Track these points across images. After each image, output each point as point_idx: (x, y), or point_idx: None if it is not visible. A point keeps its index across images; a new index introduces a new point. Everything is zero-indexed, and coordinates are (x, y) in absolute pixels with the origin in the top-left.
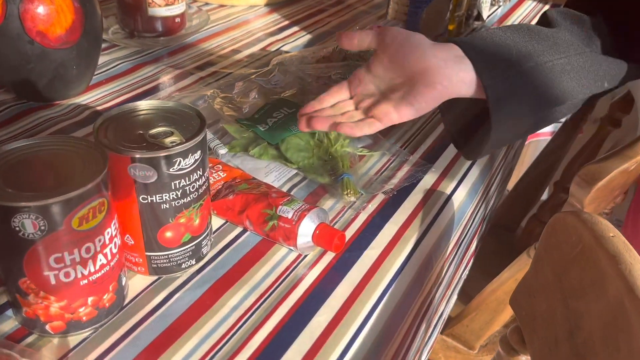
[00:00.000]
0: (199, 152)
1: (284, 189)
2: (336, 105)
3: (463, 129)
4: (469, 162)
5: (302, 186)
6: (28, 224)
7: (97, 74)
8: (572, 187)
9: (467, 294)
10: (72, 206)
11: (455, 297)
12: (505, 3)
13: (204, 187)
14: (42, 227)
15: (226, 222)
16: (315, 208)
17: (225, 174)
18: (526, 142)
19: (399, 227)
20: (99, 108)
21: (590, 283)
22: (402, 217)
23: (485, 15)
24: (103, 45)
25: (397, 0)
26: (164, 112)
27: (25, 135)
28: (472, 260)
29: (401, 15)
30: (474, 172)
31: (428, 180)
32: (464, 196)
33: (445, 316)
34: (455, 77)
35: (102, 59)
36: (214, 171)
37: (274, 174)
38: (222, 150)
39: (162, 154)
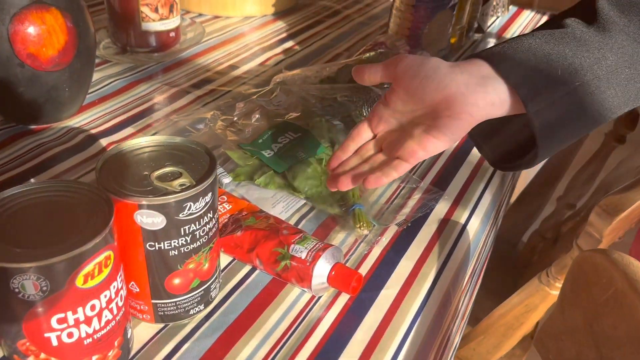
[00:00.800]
0: (209, 194)
1: (293, 221)
2: (360, 150)
3: (496, 145)
4: (481, 187)
5: (311, 217)
6: (28, 285)
7: (89, 94)
8: (592, 216)
9: (472, 313)
10: (76, 264)
11: (466, 324)
12: (504, 13)
13: (214, 230)
14: (44, 288)
15: (234, 259)
16: (330, 247)
17: (230, 206)
18: None
19: (414, 263)
20: (93, 131)
21: (626, 334)
22: (417, 251)
23: (485, 27)
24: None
25: (400, 15)
26: (170, 149)
27: (16, 163)
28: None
29: (404, 30)
30: (487, 197)
31: (441, 209)
32: (478, 224)
33: (456, 345)
34: (482, 101)
35: (94, 76)
36: (219, 203)
37: (281, 205)
38: (226, 180)
39: (172, 199)
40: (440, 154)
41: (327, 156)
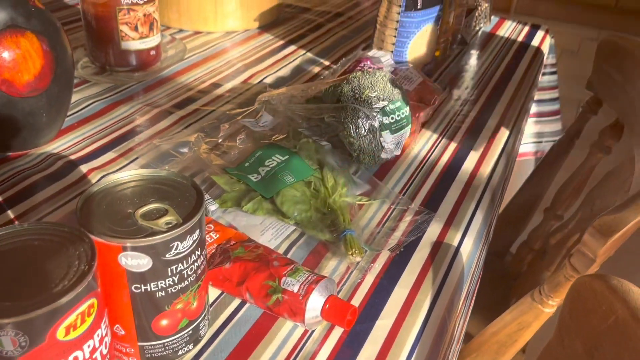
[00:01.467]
0: (197, 231)
1: (283, 248)
2: None
3: None
4: (472, 206)
5: (301, 244)
6: (6, 342)
7: (68, 117)
8: (586, 236)
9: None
10: (57, 316)
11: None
12: (487, 24)
13: (202, 267)
14: (23, 344)
15: (223, 292)
16: (323, 279)
17: (218, 235)
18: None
19: (409, 291)
20: (72, 157)
21: None
22: (411, 278)
23: (468, 39)
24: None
25: (383, 30)
26: (154, 183)
27: None
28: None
29: (388, 45)
30: (478, 217)
31: (433, 231)
32: (471, 245)
33: None
34: None
35: (73, 98)
36: (205, 232)
37: (270, 232)
38: (213, 207)
39: (158, 240)
40: (429, 173)
41: (316, 179)
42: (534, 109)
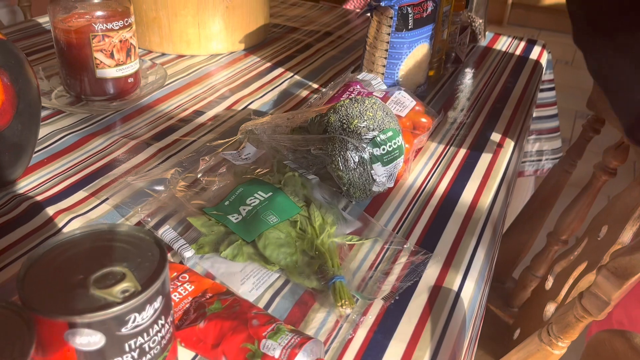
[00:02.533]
0: (159, 298)
1: (265, 299)
2: None
3: None
4: (472, 243)
5: (285, 293)
6: None
7: (37, 152)
8: (599, 278)
9: None
10: None
11: None
12: (481, 40)
13: (168, 335)
14: None
15: (197, 355)
16: (308, 342)
17: (193, 287)
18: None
19: (406, 345)
20: (39, 198)
21: None
22: (408, 330)
23: (463, 57)
24: (45, 113)
25: (373, 51)
26: (111, 241)
27: None
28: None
29: (378, 68)
30: (479, 255)
31: (430, 274)
32: (473, 288)
33: None
34: None
35: (44, 130)
36: (179, 283)
37: (251, 281)
38: (188, 253)
39: (109, 314)
40: (423, 208)
41: (303, 217)
42: (533, 126)
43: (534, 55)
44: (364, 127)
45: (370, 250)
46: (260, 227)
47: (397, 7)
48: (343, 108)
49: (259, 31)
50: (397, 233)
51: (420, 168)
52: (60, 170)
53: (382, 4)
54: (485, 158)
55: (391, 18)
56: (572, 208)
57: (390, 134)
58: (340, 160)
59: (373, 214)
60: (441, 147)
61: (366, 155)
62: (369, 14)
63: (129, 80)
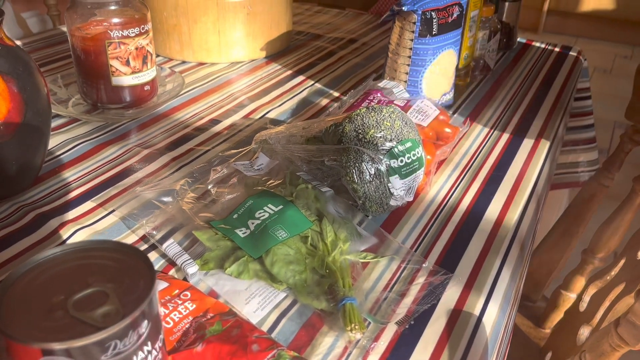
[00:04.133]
0: (144, 323)
1: (271, 320)
2: None
3: None
4: (497, 264)
5: (292, 315)
6: None
7: (50, 159)
8: (637, 305)
9: None
10: None
11: None
12: (512, 47)
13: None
14: None
15: None
16: None
17: (194, 306)
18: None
19: None
20: (46, 208)
21: None
22: (424, 358)
23: (492, 64)
24: (61, 121)
25: (396, 58)
26: (96, 259)
27: None
28: None
29: (401, 75)
30: (505, 275)
31: (450, 296)
32: (497, 312)
33: None
34: None
35: (59, 138)
36: (180, 302)
37: (256, 300)
38: (192, 269)
39: (87, 340)
40: (444, 224)
41: (314, 233)
42: (567, 136)
43: (568, 62)
44: (380, 137)
45: (385, 269)
46: (268, 243)
47: (420, 12)
48: (359, 117)
49: (281, 38)
50: (415, 251)
51: (443, 181)
52: (71, 179)
53: (405, 8)
54: (513, 170)
55: (414, 23)
56: (610, 224)
57: (409, 144)
58: (355, 172)
59: (390, 229)
60: (466, 158)
61: (383, 167)
62: (391, 20)
63: (145, 88)
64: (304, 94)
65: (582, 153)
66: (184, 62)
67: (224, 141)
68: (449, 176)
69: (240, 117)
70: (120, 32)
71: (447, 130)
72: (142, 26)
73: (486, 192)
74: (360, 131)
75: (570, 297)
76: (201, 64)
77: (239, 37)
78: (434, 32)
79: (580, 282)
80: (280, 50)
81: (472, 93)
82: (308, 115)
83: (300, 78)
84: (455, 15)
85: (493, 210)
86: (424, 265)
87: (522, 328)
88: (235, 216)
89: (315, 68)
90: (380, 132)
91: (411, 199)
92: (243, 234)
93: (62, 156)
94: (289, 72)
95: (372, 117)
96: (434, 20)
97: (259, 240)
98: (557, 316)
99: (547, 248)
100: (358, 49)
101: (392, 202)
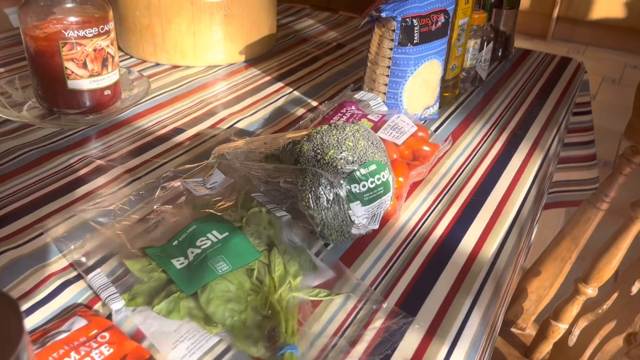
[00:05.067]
0: None
1: None
2: None
3: None
4: (467, 304)
5: None
6: None
7: None
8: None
9: None
10: None
11: None
12: (507, 57)
13: None
14: None
15: None
16: None
17: (111, 350)
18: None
19: None
20: None
21: None
22: None
23: (484, 75)
24: (13, 126)
25: (375, 68)
26: None
27: None
28: None
29: (380, 86)
30: (474, 319)
31: (409, 344)
32: None
33: None
34: None
35: (8, 144)
36: (95, 345)
37: (185, 344)
38: (116, 305)
39: None
40: (412, 256)
41: (262, 265)
42: (564, 153)
43: (567, 73)
44: (341, 158)
45: (339, 310)
46: (205, 277)
47: (400, 19)
48: (318, 135)
49: (261, 42)
50: (375, 289)
51: (416, 206)
52: (8, 192)
53: (383, 14)
54: (496, 194)
55: (393, 31)
56: (604, 253)
57: (373, 167)
58: (312, 197)
59: (352, 260)
60: (445, 180)
61: (342, 193)
62: (371, 26)
63: (106, 93)
64: (280, 102)
65: (581, 171)
66: (157, 65)
67: (184, 153)
68: (424, 200)
69: (207, 127)
70: (76, 31)
71: (425, 148)
72: (102, 26)
73: (463, 220)
74: (319, 151)
75: (560, 327)
76: (175, 67)
77: (216, 39)
78: (415, 41)
79: (570, 313)
80: (261, 55)
81: (460, 106)
82: (281, 126)
83: (279, 85)
84: (440, 23)
85: (468, 242)
86: (383, 305)
87: (508, 358)
88: (175, 243)
89: (297, 74)
90: (341, 152)
91: (376, 226)
92: (180, 264)
93: (4, 165)
94: (268, 77)
95: (333, 135)
96: (416, 28)
97: (195, 273)
98: (546, 347)
99: (537, 273)
100: (344, 55)
101: (354, 231)
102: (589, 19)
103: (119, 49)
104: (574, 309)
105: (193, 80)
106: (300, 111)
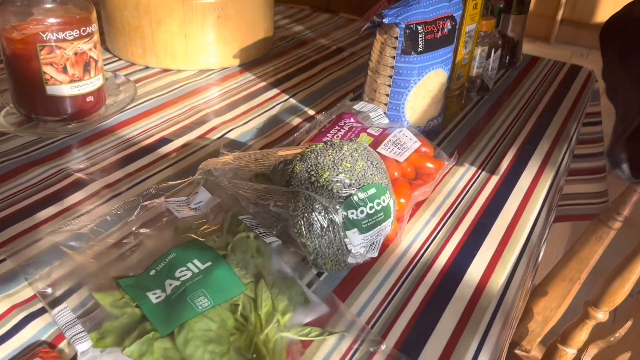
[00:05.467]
0: None
1: None
2: None
3: None
4: (474, 345)
5: None
6: None
7: None
8: None
9: None
10: None
11: None
12: (515, 65)
13: None
14: None
15: None
16: None
17: None
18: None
19: None
20: None
21: None
22: None
23: (491, 84)
24: None
25: (376, 77)
26: None
27: None
28: None
29: (381, 97)
30: (483, 357)
31: None
32: None
33: None
34: None
35: None
36: None
37: None
38: (82, 346)
39: None
40: (414, 288)
41: (247, 299)
42: (573, 165)
43: (578, 83)
44: (337, 181)
45: (332, 351)
46: (183, 314)
47: (403, 25)
48: (313, 155)
49: (257, 45)
50: (372, 327)
51: (419, 228)
52: None
53: (386, 20)
54: (505, 216)
55: (396, 38)
56: (616, 275)
57: (372, 191)
58: (304, 224)
59: (349, 291)
60: (450, 199)
61: (338, 219)
62: (372, 33)
63: (88, 99)
64: (275, 110)
65: (589, 184)
66: (147, 68)
67: (169, 166)
68: (427, 222)
69: (196, 136)
70: (56, 34)
71: (430, 165)
72: (84, 28)
73: (469, 245)
74: (313, 173)
75: (567, 352)
76: (166, 70)
77: (209, 42)
78: (419, 49)
79: (579, 338)
80: (256, 58)
81: (465, 118)
82: (275, 137)
83: (275, 91)
84: (446, 30)
85: (475, 271)
86: (381, 347)
87: None
88: (152, 272)
89: (293, 80)
90: (337, 175)
91: (375, 255)
92: (157, 298)
93: None
94: (263, 83)
95: (329, 155)
96: (420, 35)
97: (173, 309)
98: None
99: (544, 293)
100: (344, 60)
101: (351, 260)
102: (593, 22)
103: (108, 50)
104: (582, 334)
105: (184, 85)
106: (296, 121)
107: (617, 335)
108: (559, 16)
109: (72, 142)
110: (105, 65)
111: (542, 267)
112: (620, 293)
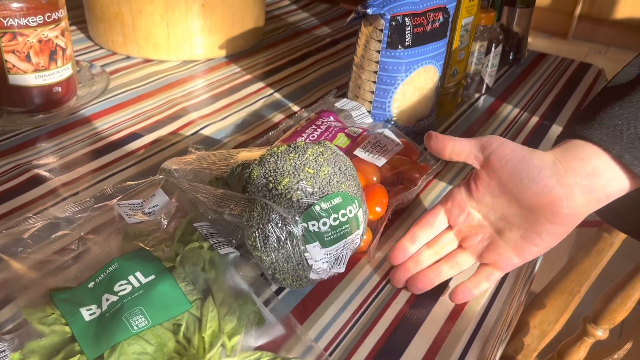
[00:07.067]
0: None
1: None
2: (434, 242)
3: None
4: None
5: None
6: None
7: None
8: None
9: None
10: None
11: None
12: (519, 62)
13: None
14: None
15: None
16: None
17: None
18: None
19: None
20: None
21: None
22: None
23: (491, 82)
24: None
25: (360, 72)
26: None
27: None
28: None
29: (365, 94)
30: None
31: None
32: None
33: None
34: (591, 203)
35: None
36: None
37: None
38: None
39: None
40: (384, 307)
41: (192, 319)
42: None
43: (585, 82)
44: (297, 189)
45: None
46: (115, 335)
47: (388, 17)
48: (272, 159)
49: (245, 35)
50: (330, 355)
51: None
52: None
53: (370, 11)
54: None
55: (381, 31)
56: (618, 291)
57: (337, 200)
58: (259, 235)
59: (312, 309)
60: None
61: (297, 231)
62: (357, 24)
63: (55, 90)
64: (258, 105)
65: None
66: (128, 58)
67: (135, 164)
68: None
69: (169, 132)
70: (17, 20)
71: (412, 170)
72: (49, 14)
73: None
74: (271, 179)
75: None
76: (148, 61)
77: (193, 32)
78: (407, 43)
79: (577, 355)
80: (245, 50)
81: (461, 117)
82: (253, 135)
83: (260, 84)
84: (437, 22)
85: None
86: None
87: None
88: (91, 285)
89: (282, 73)
90: (297, 182)
91: (342, 270)
92: (90, 314)
93: None
94: (249, 76)
95: (290, 159)
96: (408, 28)
97: (105, 329)
98: None
99: (542, 306)
100: (338, 53)
101: (313, 276)
102: (613, 18)
103: (90, 39)
104: (580, 352)
105: (165, 77)
106: (278, 117)
107: (616, 356)
108: (577, 11)
109: (36, 135)
110: (85, 54)
111: (544, 275)
112: (622, 310)
